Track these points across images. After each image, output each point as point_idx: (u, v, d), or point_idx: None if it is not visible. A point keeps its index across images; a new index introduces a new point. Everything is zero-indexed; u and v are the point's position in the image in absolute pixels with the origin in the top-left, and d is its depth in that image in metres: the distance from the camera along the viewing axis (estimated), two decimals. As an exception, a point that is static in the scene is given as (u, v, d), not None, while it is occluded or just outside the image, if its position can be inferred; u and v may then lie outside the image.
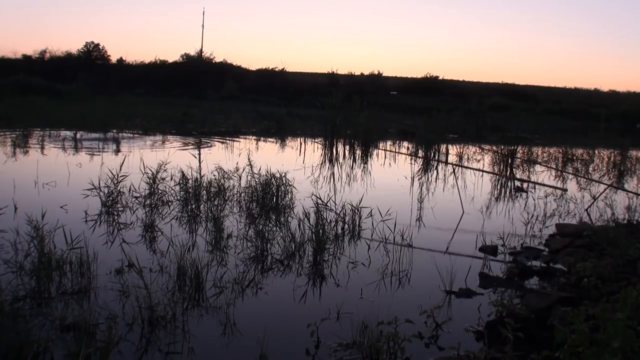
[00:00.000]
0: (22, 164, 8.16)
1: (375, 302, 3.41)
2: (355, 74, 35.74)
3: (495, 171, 9.65)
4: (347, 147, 11.97)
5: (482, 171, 8.36)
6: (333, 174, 8.61)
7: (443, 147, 11.80)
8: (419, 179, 8.40)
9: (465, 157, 11.25)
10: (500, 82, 38.25)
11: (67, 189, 6.33)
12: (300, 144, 12.50)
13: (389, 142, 13.58)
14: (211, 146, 11.76)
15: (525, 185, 6.53)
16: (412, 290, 3.76)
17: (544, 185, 6.05)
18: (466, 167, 8.90)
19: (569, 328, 2.39)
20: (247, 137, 14.31)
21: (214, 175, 6.22)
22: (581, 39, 70.62)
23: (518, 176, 9.18)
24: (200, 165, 6.60)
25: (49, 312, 3.03)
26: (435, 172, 9.39)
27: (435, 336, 2.99)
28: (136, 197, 5.68)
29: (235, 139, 13.35)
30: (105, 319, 2.91)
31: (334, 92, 13.90)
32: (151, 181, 5.83)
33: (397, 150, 12.03)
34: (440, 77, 37.76)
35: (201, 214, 5.32)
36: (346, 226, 4.99)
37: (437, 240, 4.98)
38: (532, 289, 3.59)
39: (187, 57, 35.87)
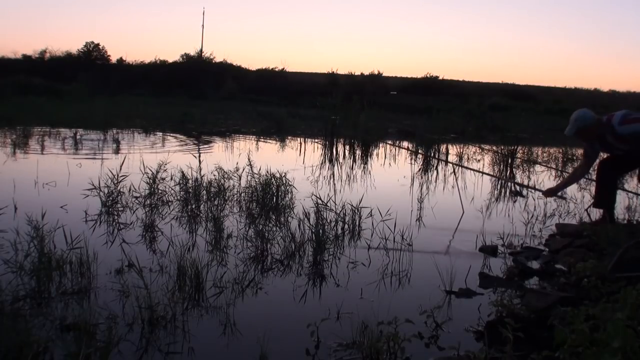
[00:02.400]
0: (22, 164, 8.16)
1: (375, 302, 3.41)
2: (355, 74, 35.76)
3: (495, 171, 9.65)
4: (347, 147, 11.97)
5: (482, 173, 8.36)
6: (333, 174, 8.61)
7: (443, 147, 11.80)
8: (419, 179, 8.41)
9: (465, 157, 11.25)
10: (500, 82, 38.25)
11: (67, 189, 6.33)
12: (300, 144, 12.50)
13: (389, 142, 13.56)
14: (211, 146, 11.76)
15: (523, 189, 6.57)
16: (412, 290, 3.76)
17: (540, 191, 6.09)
18: (467, 168, 8.89)
19: (569, 328, 2.38)
20: (247, 137, 14.31)
21: (214, 175, 6.22)
22: (581, 39, 70.63)
23: (518, 176, 9.18)
24: (200, 165, 6.61)
25: (49, 312, 3.02)
26: (435, 172, 9.39)
27: (435, 336, 2.99)
28: (136, 197, 5.68)
29: (235, 139, 13.35)
30: (105, 319, 2.90)
31: (334, 92, 13.90)
32: (151, 181, 5.83)
33: (398, 146, 12.03)
34: (440, 77, 37.77)
35: (201, 214, 5.32)
36: (346, 226, 4.99)
37: (437, 240, 4.98)
38: (532, 289, 3.58)
39: (187, 57, 35.88)
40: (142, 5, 65.24)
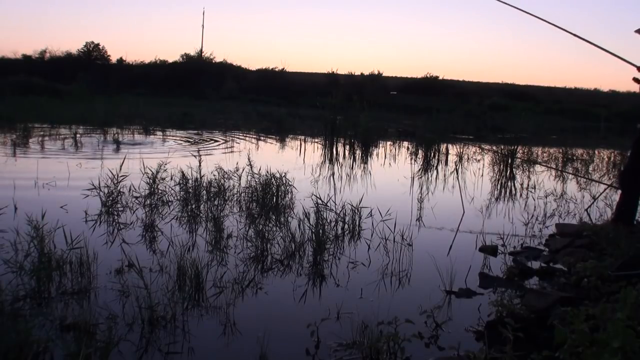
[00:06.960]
0: (22, 164, 8.15)
1: (375, 302, 3.42)
2: (355, 74, 35.70)
3: (495, 171, 9.65)
4: (347, 147, 11.96)
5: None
6: (333, 174, 8.61)
7: (443, 147, 11.80)
8: (419, 179, 8.40)
9: (466, 157, 11.25)
10: (500, 82, 38.16)
11: (67, 189, 6.32)
12: (300, 144, 12.50)
13: (389, 142, 13.57)
14: (211, 146, 11.75)
15: None
16: (412, 290, 3.76)
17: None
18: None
19: (569, 328, 2.38)
20: (247, 137, 14.31)
21: (214, 175, 6.22)
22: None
23: (518, 176, 9.17)
24: (200, 165, 6.60)
25: (49, 312, 3.03)
26: (435, 172, 9.39)
27: (435, 336, 2.99)
28: (136, 197, 5.68)
29: (235, 139, 13.34)
30: (105, 319, 2.91)
31: (334, 92, 13.89)
32: (151, 181, 5.83)
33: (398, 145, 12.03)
34: (440, 77, 37.71)
35: (201, 214, 5.32)
36: (346, 226, 4.99)
37: (437, 240, 4.98)
38: (532, 289, 3.59)
39: (187, 57, 35.83)
40: (142, 5, 65.16)
